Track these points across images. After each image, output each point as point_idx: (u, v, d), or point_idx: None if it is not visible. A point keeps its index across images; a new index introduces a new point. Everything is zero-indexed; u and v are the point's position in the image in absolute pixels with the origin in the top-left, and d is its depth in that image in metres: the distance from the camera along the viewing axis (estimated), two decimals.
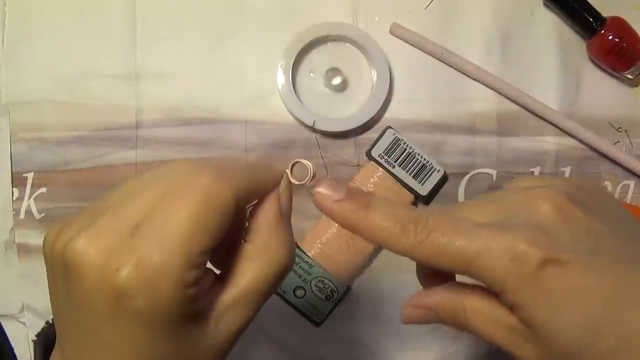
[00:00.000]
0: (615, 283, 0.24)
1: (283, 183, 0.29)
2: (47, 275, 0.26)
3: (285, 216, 0.29)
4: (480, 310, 0.27)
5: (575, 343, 0.24)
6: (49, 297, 0.26)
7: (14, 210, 0.49)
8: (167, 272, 0.23)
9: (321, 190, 0.27)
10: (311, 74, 0.50)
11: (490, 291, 0.26)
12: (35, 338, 0.31)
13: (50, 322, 0.31)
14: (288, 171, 0.29)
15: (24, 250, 0.49)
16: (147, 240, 0.23)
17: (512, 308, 0.25)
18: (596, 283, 0.24)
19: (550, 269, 0.24)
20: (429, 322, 0.29)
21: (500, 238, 0.24)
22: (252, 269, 0.27)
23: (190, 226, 0.24)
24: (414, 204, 0.50)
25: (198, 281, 0.24)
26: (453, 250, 0.25)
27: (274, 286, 0.28)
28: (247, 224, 0.29)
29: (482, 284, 0.26)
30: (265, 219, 0.28)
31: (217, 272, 0.28)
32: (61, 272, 0.24)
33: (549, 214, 0.25)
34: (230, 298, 0.26)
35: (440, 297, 0.28)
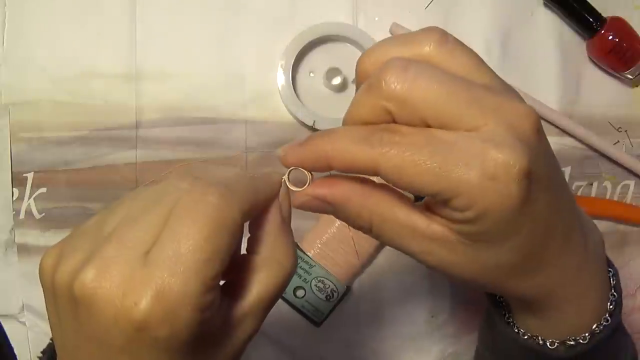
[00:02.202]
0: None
1: (282, 192, 0.29)
2: (47, 305, 0.26)
3: (286, 224, 0.29)
4: (392, 219, 0.26)
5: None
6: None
7: (14, 210, 0.49)
8: (186, 300, 0.23)
9: (283, 148, 0.27)
10: (311, 74, 0.50)
11: (403, 196, 0.26)
12: (40, 355, 0.31)
13: None
14: (285, 177, 0.29)
15: (24, 250, 0.49)
16: (161, 269, 0.23)
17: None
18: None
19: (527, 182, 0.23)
20: (325, 213, 0.28)
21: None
22: (260, 281, 0.27)
23: (204, 251, 0.23)
24: None
25: (213, 302, 0.24)
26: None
27: (280, 294, 0.28)
28: (249, 235, 0.28)
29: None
30: (268, 230, 0.28)
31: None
32: (68, 305, 0.24)
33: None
34: (241, 311, 0.26)
35: (344, 194, 0.27)
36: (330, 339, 0.50)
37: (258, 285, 0.27)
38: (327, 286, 0.48)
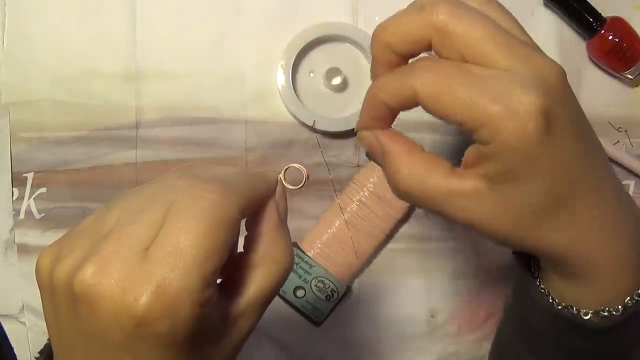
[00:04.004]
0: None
1: (278, 190, 0.29)
2: (44, 304, 0.26)
3: (283, 222, 0.29)
4: (429, 181, 0.29)
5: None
6: None
7: (14, 210, 0.49)
8: (186, 296, 0.23)
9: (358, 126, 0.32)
10: (311, 74, 0.50)
11: (440, 161, 0.29)
12: (38, 355, 0.31)
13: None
14: (281, 176, 0.29)
15: (24, 250, 0.49)
16: (161, 264, 0.23)
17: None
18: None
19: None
20: (374, 159, 0.31)
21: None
22: (257, 278, 0.27)
23: (203, 247, 0.23)
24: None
25: (211, 298, 0.24)
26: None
27: (277, 291, 0.28)
28: (247, 232, 0.29)
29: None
30: (266, 228, 0.28)
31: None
32: (67, 302, 0.24)
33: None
34: (239, 308, 0.27)
35: (397, 149, 0.30)
36: (330, 338, 0.50)
37: (256, 282, 0.27)
38: (327, 286, 0.48)
